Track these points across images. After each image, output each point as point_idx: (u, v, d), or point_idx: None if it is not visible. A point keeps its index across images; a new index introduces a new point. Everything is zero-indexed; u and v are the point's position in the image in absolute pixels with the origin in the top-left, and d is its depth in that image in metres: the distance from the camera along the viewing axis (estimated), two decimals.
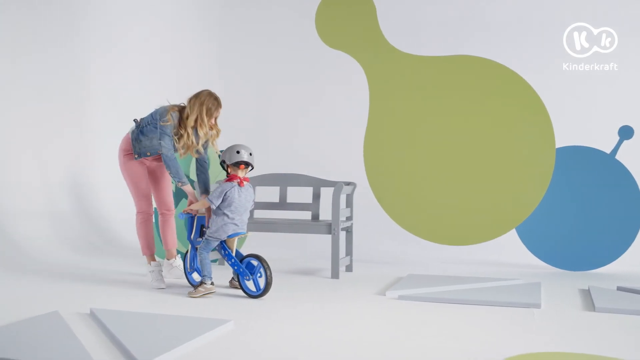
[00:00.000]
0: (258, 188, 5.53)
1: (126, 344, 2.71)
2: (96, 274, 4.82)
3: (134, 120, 4.41)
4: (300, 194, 5.75)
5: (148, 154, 4.30)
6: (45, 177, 6.09)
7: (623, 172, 5.20)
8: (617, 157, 5.23)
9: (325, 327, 3.24)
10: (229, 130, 6.97)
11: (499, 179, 5.21)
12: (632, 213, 5.15)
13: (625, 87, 6.38)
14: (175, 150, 4.25)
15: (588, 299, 4.02)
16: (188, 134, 4.18)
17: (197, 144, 4.22)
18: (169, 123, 4.16)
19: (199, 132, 4.17)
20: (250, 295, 3.98)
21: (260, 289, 3.95)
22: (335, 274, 4.82)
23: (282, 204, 5.31)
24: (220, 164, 4.12)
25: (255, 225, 5.08)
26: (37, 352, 2.62)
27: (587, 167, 5.25)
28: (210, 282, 3.99)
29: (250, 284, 4.04)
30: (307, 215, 5.99)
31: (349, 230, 5.22)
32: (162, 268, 4.49)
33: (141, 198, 4.45)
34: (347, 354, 2.74)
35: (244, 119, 7.14)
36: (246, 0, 7.62)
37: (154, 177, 4.53)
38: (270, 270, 3.93)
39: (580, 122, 6.14)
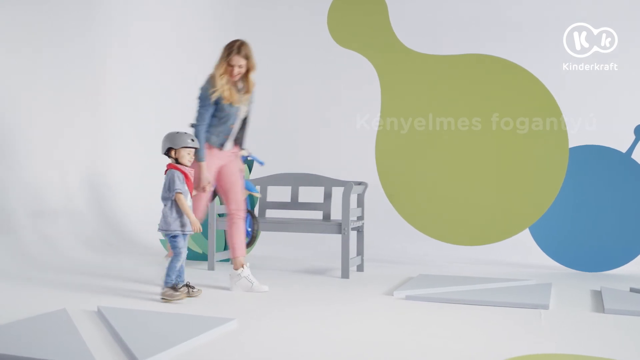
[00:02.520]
0: (270, 187, 5.54)
1: (127, 341, 2.74)
2: (108, 273, 4.88)
3: (191, 125, 4.28)
4: (311, 194, 5.75)
5: (225, 137, 4.26)
6: (62, 176, 6.17)
7: (639, 172, 5.11)
8: (633, 156, 5.15)
9: (330, 326, 3.24)
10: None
11: (512, 179, 5.16)
12: None
13: (627, 86, 6.28)
14: (212, 125, 4.19)
15: (598, 300, 3.97)
16: (222, 88, 4.11)
17: (230, 93, 4.14)
18: (215, 94, 4.09)
19: (217, 83, 4.11)
20: None
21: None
22: (345, 274, 4.82)
23: (294, 204, 5.32)
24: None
25: (267, 224, 5.10)
26: (39, 350, 2.66)
27: (602, 167, 5.18)
28: (170, 286, 3.87)
29: None
30: (318, 215, 5.99)
31: (360, 230, 5.21)
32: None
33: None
34: (350, 354, 2.74)
35: (257, 118, 7.14)
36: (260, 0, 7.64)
37: (226, 173, 4.38)
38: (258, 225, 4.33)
39: (580, 122, 6.06)
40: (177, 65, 7.34)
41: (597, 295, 4.15)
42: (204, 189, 4.15)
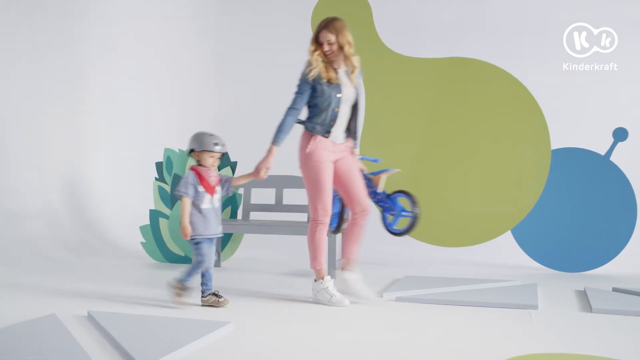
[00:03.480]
0: (254, 190, 5.52)
1: (126, 346, 2.69)
2: (92, 276, 4.81)
3: (299, 121, 3.95)
4: (296, 196, 5.73)
5: (331, 123, 3.87)
6: (42, 179, 6.08)
7: (617, 174, 5.22)
8: (612, 158, 5.26)
9: (324, 328, 3.25)
10: (224, 133, 6.97)
11: (494, 181, 5.23)
12: (627, 214, 5.18)
13: (624, 88, 6.31)
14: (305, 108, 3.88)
15: (584, 300, 4.04)
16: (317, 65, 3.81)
17: (326, 69, 3.82)
18: (313, 72, 3.80)
19: (311, 62, 3.83)
20: (393, 233, 4.30)
21: (402, 229, 4.27)
22: (332, 276, 4.81)
23: (278, 206, 5.31)
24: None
25: (252, 227, 5.08)
26: (37, 356, 2.60)
27: (582, 169, 5.28)
28: (182, 286, 3.74)
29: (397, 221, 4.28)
30: (303, 217, 5.97)
31: (345, 232, 5.21)
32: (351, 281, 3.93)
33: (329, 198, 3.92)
34: (345, 356, 2.74)
35: (240, 121, 7.11)
36: (241, 6, 7.58)
37: (343, 170, 3.97)
38: (417, 209, 4.14)
39: (579, 122, 6.12)
40: (156, 69, 7.28)
41: (582, 295, 4.23)
42: (257, 173, 3.81)
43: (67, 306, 3.67)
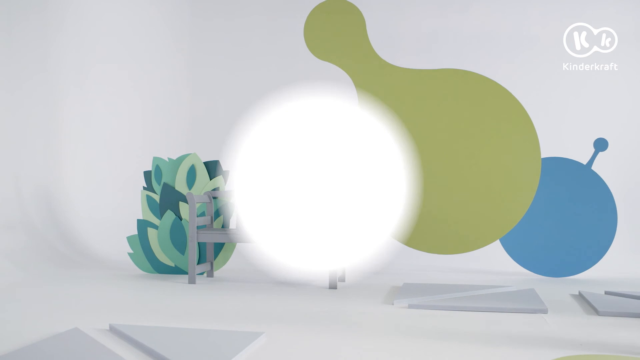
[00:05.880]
0: None
1: None
2: (90, 288, 4.69)
3: None
4: None
5: None
6: (19, 190, 5.90)
7: (599, 182, 5.46)
8: (593, 167, 5.50)
9: (358, 337, 3.26)
10: (209, 144, 6.91)
11: (484, 190, 5.37)
12: (608, 221, 5.42)
13: (627, 87, 6.38)
14: None
15: (585, 303, 4.21)
16: None
17: None
18: None
19: None
20: None
21: None
22: (333, 285, 4.85)
23: None
24: None
25: (244, 236, 5.06)
26: None
27: (564, 178, 5.49)
28: None
29: None
30: None
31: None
32: None
33: None
34: None
35: (227, 131, 7.02)
36: (216, 12, 7.52)
37: None
38: None
39: (563, 132, 6.32)
40: (132, 79, 7.12)
41: (580, 299, 4.40)
42: None
43: (84, 319, 3.57)
